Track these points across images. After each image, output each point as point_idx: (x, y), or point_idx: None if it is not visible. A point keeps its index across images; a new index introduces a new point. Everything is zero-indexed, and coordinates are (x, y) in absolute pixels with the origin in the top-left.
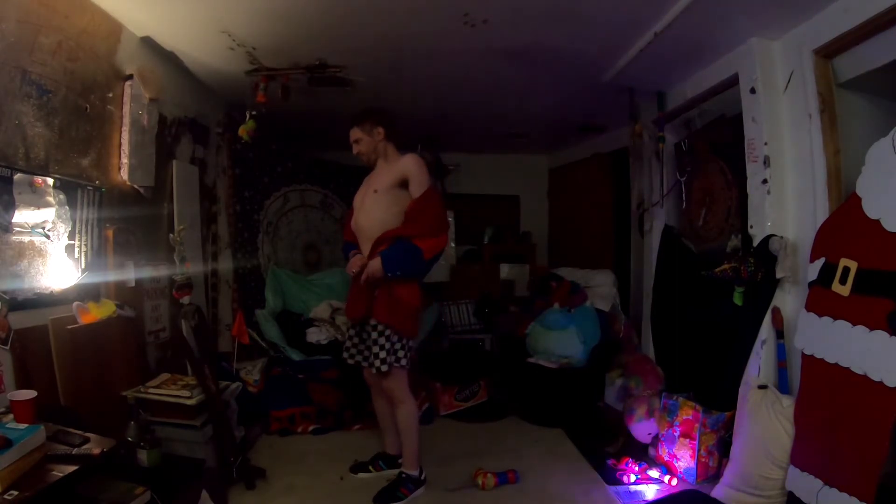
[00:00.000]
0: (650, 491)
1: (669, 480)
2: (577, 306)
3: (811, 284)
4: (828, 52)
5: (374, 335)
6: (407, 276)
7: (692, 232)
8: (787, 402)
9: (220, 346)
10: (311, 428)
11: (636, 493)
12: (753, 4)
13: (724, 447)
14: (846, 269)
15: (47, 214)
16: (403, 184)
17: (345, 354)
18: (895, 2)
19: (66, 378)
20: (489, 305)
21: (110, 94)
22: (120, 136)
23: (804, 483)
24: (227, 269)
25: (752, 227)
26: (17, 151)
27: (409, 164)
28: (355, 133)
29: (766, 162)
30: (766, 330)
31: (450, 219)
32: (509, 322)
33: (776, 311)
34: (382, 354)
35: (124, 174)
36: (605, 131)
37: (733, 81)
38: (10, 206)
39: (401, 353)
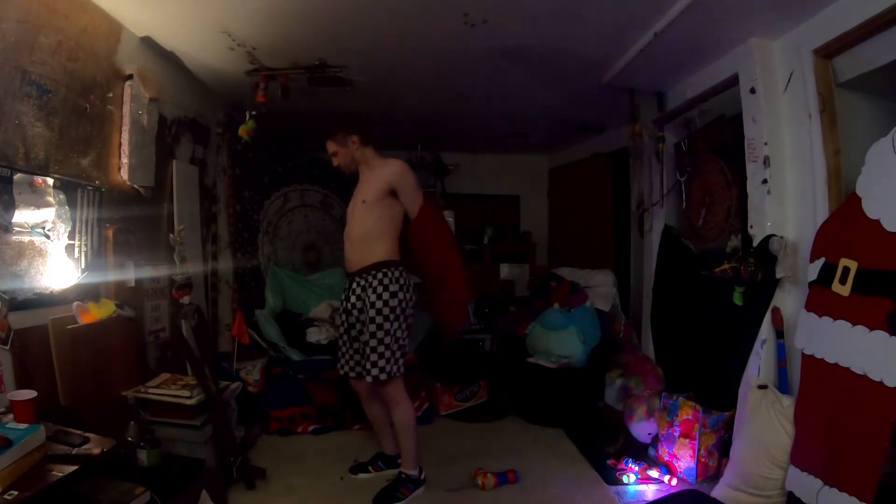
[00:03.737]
0: (650, 491)
1: (669, 480)
2: (577, 306)
3: (811, 284)
4: (828, 52)
5: (374, 343)
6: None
7: (692, 232)
8: (787, 402)
9: (220, 346)
10: (311, 428)
11: (636, 493)
12: (753, 4)
13: (724, 447)
14: (846, 269)
15: (47, 214)
16: (392, 192)
17: (338, 365)
18: (895, 2)
19: (66, 378)
20: (489, 305)
21: (110, 94)
22: (120, 136)
23: (804, 483)
24: (227, 269)
25: (752, 227)
26: (17, 151)
27: (396, 175)
28: (331, 146)
29: (766, 162)
30: (766, 330)
31: (449, 219)
32: (509, 322)
33: (776, 311)
34: (381, 363)
35: (124, 174)
36: (605, 131)
37: (733, 81)
38: (10, 206)
39: (401, 361)
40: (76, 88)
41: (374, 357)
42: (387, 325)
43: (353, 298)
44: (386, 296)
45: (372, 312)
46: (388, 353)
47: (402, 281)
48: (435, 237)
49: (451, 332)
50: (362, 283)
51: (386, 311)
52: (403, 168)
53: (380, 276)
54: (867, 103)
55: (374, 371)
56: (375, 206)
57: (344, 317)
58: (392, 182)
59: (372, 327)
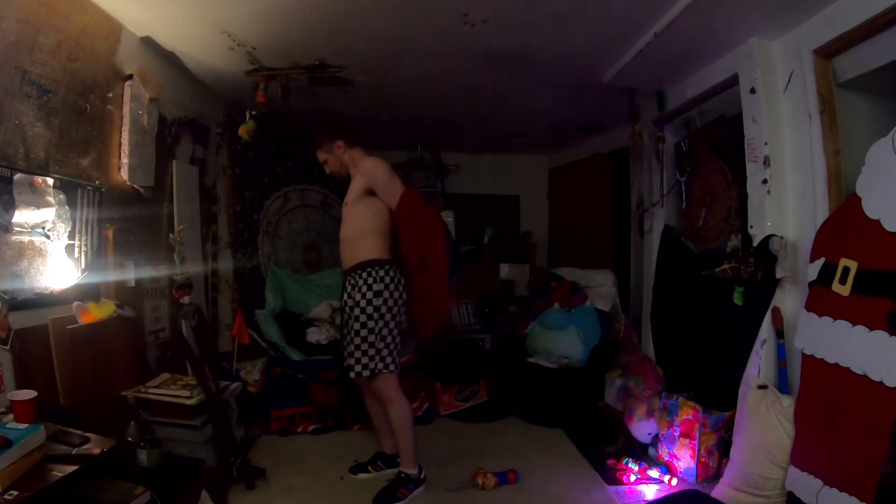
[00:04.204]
0: (650, 491)
1: (669, 480)
2: (577, 306)
3: (811, 284)
4: (828, 52)
5: (357, 340)
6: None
7: (692, 232)
8: (787, 402)
9: (220, 346)
10: (311, 428)
11: (636, 493)
12: (753, 4)
13: (724, 447)
14: (846, 269)
15: (47, 214)
16: (370, 190)
17: (343, 357)
18: (895, 2)
19: (66, 378)
20: (489, 305)
21: (110, 94)
22: (120, 136)
23: (804, 483)
24: (227, 269)
25: (752, 227)
26: (17, 151)
27: (369, 172)
28: (320, 156)
29: (766, 162)
30: (766, 330)
31: (449, 218)
32: (509, 322)
33: (776, 311)
34: (364, 360)
35: (124, 174)
36: (605, 131)
37: (733, 81)
38: (10, 206)
39: (388, 360)
40: (76, 88)
41: (357, 354)
42: (371, 324)
43: (344, 296)
44: (370, 295)
45: (357, 311)
46: (371, 351)
47: (387, 280)
48: (417, 225)
49: (426, 329)
50: (352, 281)
51: (370, 309)
52: (374, 164)
53: (364, 275)
54: (867, 103)
55: (358, 367)
56: (355, 206)
57: (341, 313)
58: (365, 181)
59: (356, 325)
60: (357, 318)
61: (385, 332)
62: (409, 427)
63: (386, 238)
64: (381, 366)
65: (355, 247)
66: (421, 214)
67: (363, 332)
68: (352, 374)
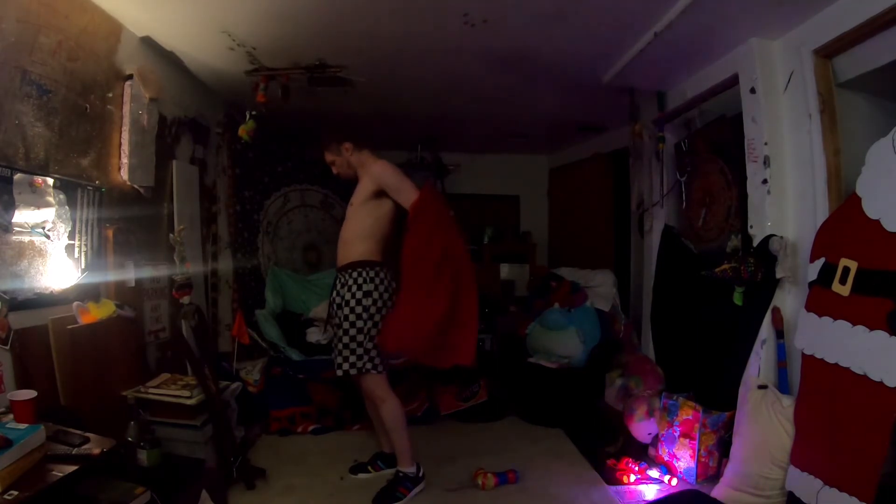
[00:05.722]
0: (650, 491)
1: (669, 480)
2: (577, 306)
3: (811, 284)
4: (828, 52)
5: (346, 339)
6: None
7: (692, 232)
8: (787, 402)
9: (220, 346)
10: (311, 428)
11: (636, 493)
12: (753, 4)
13: (724, 447)
14: (846, 269)
15: (47, 214)
16: (379, 193)
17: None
18: (895, 2)
19: (66, 378)
20: (489, 305)
21: (110, 94)
22: (120, 136)
23: (804, 483)
24: (227, 269)
25: (752, 227)
26: (17, 151)
27: (377, 176)
28: (327, 157)
29: (766, 162)
30: (766, 330)
31: None
32: (509, 322)
33: (776, 311)
34: (353, 359)
35: (124, 174)
36: (605, 131)
37: (733, 81)
38: (10, 206)
39: (377, 360)
40: (76, 88)
41: (345, 352)
42: (360, 323)
43: (334, 294)
44: (359, 294)
45: (346, 310)
46: (359, 350)
47: (377, 281)
48: (437, 220)
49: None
50: (342, 280)
51: (359, 309)
52: (383, 167)
53: (354, 274)
54: (867, 103)
55: (345, 365)
56: (361, 208)
57: (329, 310)
58: (377, 184)
59: (346, 324)
60: (346, 318)
61: (374, 331)
62: (402, 426)
63: (381, 243)
64: (369, 365)
65: (350, 247)
66: (441, 208)
67: (352, 332)
68: (339, 372)
